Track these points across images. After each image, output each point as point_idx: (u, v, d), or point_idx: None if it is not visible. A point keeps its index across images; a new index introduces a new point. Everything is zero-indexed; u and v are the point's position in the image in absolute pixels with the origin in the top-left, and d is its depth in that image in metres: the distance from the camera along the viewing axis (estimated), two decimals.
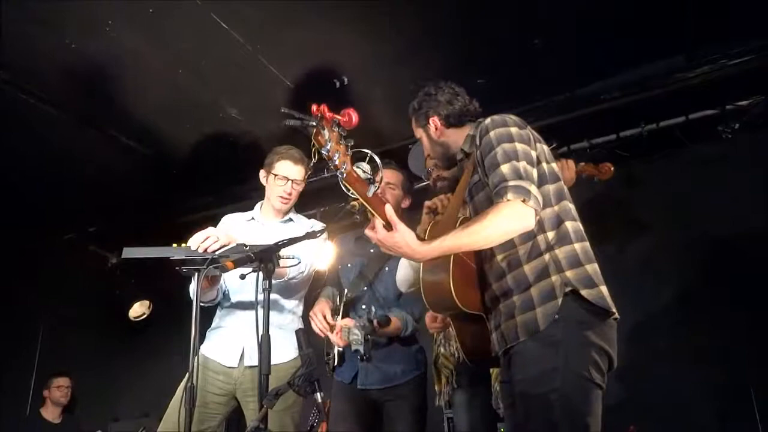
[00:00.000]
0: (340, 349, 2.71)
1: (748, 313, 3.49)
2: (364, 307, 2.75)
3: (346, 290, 2.75)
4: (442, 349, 2.69)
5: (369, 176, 1.66)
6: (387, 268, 2.77)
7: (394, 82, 3.56)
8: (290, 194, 2.59)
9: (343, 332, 2.53)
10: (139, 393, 5.40)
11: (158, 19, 3.03)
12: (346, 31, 3.20)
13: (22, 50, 3.20)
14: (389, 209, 1.69)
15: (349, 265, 2.87)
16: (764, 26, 3.17)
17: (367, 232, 1.73)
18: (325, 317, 2.63)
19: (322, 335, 2.66)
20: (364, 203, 1.70)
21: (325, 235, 2.68)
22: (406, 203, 2.85)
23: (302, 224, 2.67)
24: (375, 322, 2.52)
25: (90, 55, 3.27)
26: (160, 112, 3.87)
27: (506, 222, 1.67)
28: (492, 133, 1.82)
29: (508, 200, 1.66)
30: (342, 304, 2.71)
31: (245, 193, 4.60)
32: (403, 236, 1.67)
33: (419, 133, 2.14)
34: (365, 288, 2.77)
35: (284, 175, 2.56)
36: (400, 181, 2.81)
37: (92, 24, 3.05)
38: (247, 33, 3.17)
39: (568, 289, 1.69)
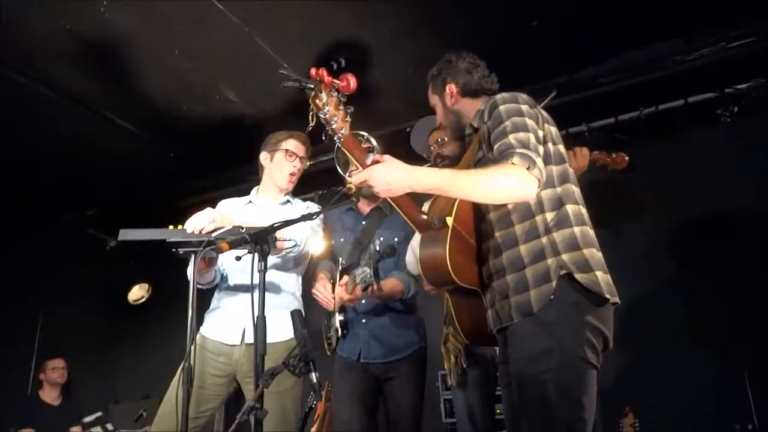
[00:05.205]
0: (342, 318, 2.73)
1: (746, 297, 3.50)
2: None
3: (341, 260, 2.76)
4: (451, 329, 2.68)
5: (370, 145, 1.66)
6: (382, 237, 2.78)
7: (392, 65, 3.55)
8: (299, 170, 2.65)
9: (349, 282, 2.51)
10: (140, 375, 5.44)
11: (153, 0, 3.00)
12: (343, 13, 3.17)
13: (16, 33, 3.17)
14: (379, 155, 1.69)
15: (342, 239, 2.89)
16: (764, 9, 3.14)
17: (352, 178, 1.70)
18: (325, 288, 2.67)
19: (331, 307, 2.69)
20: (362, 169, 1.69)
21: (321, 217, 2.69)
22: None
23: (299, 207, 2.67)
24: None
25: (85, 36, 3.25)
26: (156, 95, 3.85)
27: (507, 181, 1.63)
28: (502, 107, 1.81)
29: (513, 163, 1.64)
30: (339, 273, 2.72)
31: (242, 177, 4.60)
32: (395, 162, 1.67)
33: (434, 100, 2.11)
34: (363, 254, 2.76)
35: (294, 151, 2.61)
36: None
37: (87, 6, 3.02)
38: (244, 14, 3.14)
39: (563, 272, 1.68)
